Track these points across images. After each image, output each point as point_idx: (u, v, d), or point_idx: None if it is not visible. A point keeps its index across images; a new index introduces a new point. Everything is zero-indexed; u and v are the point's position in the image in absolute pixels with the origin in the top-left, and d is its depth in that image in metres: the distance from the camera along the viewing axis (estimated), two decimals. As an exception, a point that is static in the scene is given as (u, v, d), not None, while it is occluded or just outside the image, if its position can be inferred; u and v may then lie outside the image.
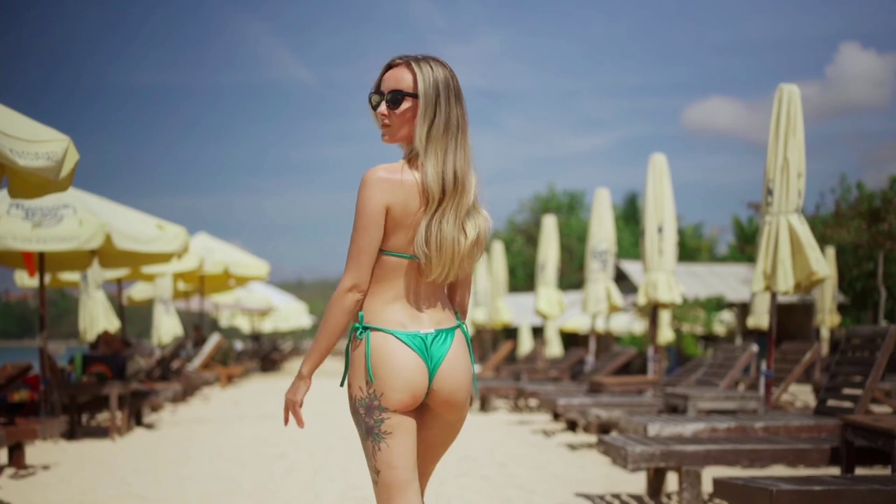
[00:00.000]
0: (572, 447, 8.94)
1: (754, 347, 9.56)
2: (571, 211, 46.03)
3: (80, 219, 9.38)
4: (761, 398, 7.96)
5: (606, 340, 25.44)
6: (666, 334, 24.22)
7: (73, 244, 9.29)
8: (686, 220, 47.41)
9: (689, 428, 6.84)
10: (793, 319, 28.20)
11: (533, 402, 14.04)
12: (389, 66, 2.89)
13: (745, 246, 36.06)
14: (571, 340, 31.68)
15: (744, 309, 28.96)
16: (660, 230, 10.87)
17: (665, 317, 24.48)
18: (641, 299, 10.88)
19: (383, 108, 2.85)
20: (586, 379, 12.54)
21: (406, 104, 2.84)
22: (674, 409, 8.46)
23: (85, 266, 11.64)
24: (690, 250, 41.28)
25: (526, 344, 24.47)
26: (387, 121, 2.86)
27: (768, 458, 5.65)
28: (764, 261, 8.01)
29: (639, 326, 31.54)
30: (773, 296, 8.16)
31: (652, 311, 11.16)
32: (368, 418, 2.82)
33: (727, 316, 32.89)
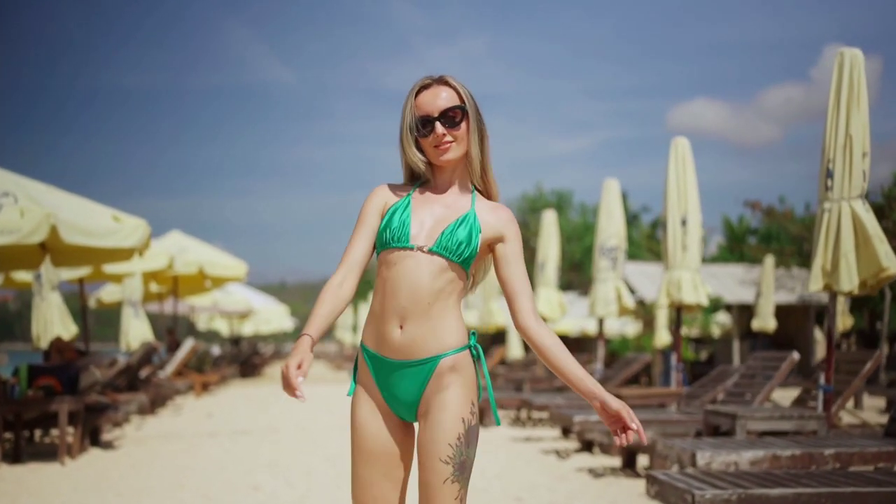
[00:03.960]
0: (594, 473, 7.70)
1: (795, 355, 8.39)
2: (560, 211, 44.95)
3: (22, 208, 8.10)
4: (822, 418, 6.76)
5: (596, 343, 24.23)
6: (663, 337, 23.08)
7: (13, 238, 8.02)
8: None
9: (745, 456, 5.66)
10: (791, 321, 27.06)
11: (537, 413, 12.80)
12: (420, 90, 2.83)
13: (737, 246, 35.10)
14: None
15: (742, 311, 27.88)
16: (683, 223, 9.67)
17: (662, 319, 23.34)
18: (662, 300, 9.68)
19: (440, 129, 2.78)
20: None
21: (462, 119, 2.81)
22: (715, 428, 7.25)
23: (36, 264, 10.33)
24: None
25: (515, 349, 23.27)
26: (448, 138, 2.79)
27: (875, 505, 4.44)
28: (823, 255, 6.82)
29: (632, 329, 30.36)
30: (834, 296, 6.97)
31: (676, 314, 9.94)
32: (472, 449, 2.76)
33: (723, 317, 31.81)
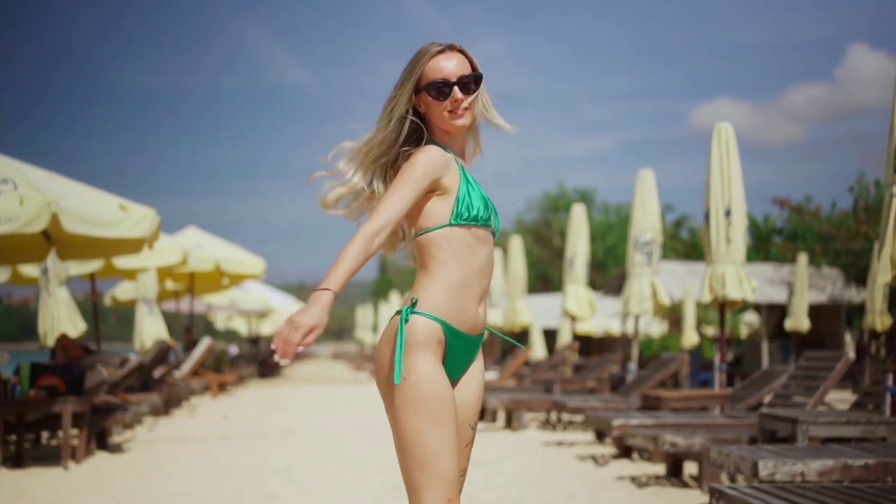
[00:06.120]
0: (638, 482, 7.09)
1: (850, 355, 7.76)
2: (583, 209, 44.27)
3: (21, 196, 7.57)
4: (892, 423, 6.14)
5: (623, 343, 23.58)
6: (691, 337, 22.38)
7: (12, 226, 7.49)
8: (698, 220, 45.70)
9: (812, 466, 5.05)
10: (821, 321, 26.27)
11: (567, 415, 12.18)
12: (435, 54, 2.73)
13: (763, 245, 34.43)
14: (583, 344, 29.87)
15: (771, 311, 27.14)
16: (727, 214, 9.04)
17: (690, 319, 22.62)
18: (706, 296, 9.06)
19: (459, 94, 2.72)
20: (630, 391, 10.71)
21: (476, 88, 2.76)
22: (771, 434, 6.64)
23: (41, 257, 9.82)
24: (702, 251, 39.62)
25: (538, 349, 22.68)
26: (466, 104, 2.75)
27: None
28: (892, 244, 6.18)
29: (657, 329, 29.60)
30: (904, 289, 6.33)
31: (720, 311, 9.31)
32: None
33: (750, 317, 30.99)
